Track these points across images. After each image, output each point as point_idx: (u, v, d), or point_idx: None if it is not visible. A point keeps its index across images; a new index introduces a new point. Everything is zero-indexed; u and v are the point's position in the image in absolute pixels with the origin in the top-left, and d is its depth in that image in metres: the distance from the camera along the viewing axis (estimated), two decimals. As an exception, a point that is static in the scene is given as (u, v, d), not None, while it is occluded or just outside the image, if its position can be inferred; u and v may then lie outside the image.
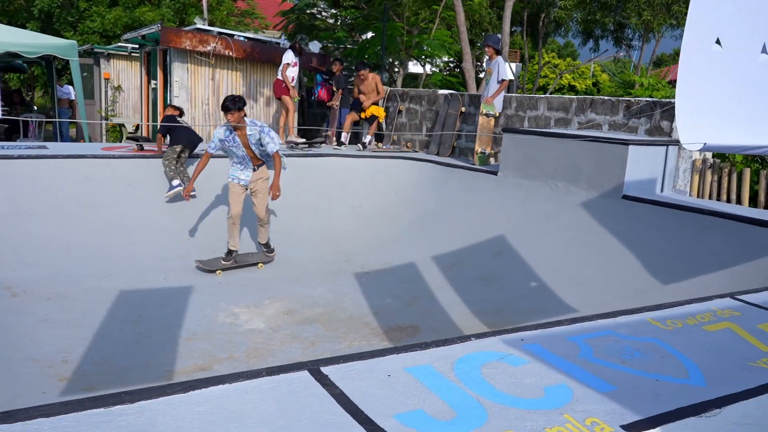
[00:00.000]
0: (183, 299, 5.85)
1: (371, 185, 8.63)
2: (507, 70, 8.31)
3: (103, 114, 14.66)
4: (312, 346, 5.00)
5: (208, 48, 10.07)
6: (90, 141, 11.85)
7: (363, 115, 9.96)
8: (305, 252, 7.42)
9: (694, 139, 2.92)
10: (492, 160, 8.30)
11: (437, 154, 9.35)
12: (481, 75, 8.45)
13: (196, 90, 10.42)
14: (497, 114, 8.14)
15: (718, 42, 2.70)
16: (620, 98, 6.98)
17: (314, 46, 12.00)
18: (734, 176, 6.07)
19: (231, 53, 10.24)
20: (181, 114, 8.17)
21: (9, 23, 20.98)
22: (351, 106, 10.36)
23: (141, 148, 8.13)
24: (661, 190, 6.30)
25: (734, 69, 2.84)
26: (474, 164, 8.18)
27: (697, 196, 6.36)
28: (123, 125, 14.41)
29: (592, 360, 2.49)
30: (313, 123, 12.10)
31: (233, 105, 6.11)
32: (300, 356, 4.78)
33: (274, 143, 6.40)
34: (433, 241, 7.33)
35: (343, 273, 6.92)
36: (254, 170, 6.63)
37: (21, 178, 6.85)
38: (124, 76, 14.85)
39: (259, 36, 12.87)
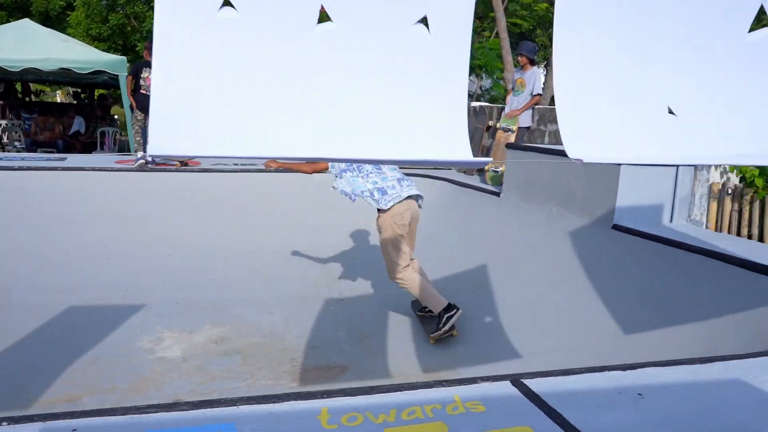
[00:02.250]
0: (121, 319, 5.56)
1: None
2: (541, 83, 7.42)
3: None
4: (208, 382, 4.50)
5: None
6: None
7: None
8: (291, 272, 6.95)
9: (579, 150, 2.13)
10: (509, 180, 7.42)
11: (464, 172, 8.56)
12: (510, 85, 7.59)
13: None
14: (515, 129, 7.26)
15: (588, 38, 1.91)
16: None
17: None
18: (756, 205, 4.85)
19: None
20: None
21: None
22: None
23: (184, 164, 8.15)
24: (671, 220, 5.20)
25: (614, 73, 2.04)
26: (487, 183, 7.35)
27: (715, 229, 5.17)
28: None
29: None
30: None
31: None
32: (186, 393, 4.30)
33: None
34: (424, 267, 6.59)
35: (315, 299, 6.35)
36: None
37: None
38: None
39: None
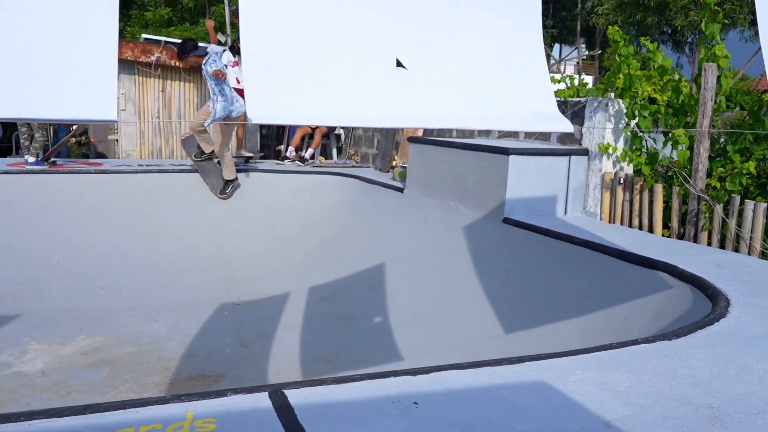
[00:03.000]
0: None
1: (292, 204, 7.70)
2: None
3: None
4: (62, 398, 4.12)
5: (152, 58, 9.51)
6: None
7: (312, 127, 9.08)
8: (192, 278, 6.58)
9: (261, 111, 1.86)
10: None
11: (380, 169, 8.30)
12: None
13: (145, 103, 9.88)
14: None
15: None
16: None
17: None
18: (645, 194, 4.69)
19: (177, 63, 9.63)
20: None
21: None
22: (306, 118, 9.56)
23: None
24: (565, 212, 5.02)
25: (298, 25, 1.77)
26: (395, 180, 7.09)
27: (609, 220, 5.00)
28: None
29: None
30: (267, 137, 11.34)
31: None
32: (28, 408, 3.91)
33: None
34: (324, 269, 6.31)
35: (209, 304, 6.00)
36: None
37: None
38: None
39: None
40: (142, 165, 8.08)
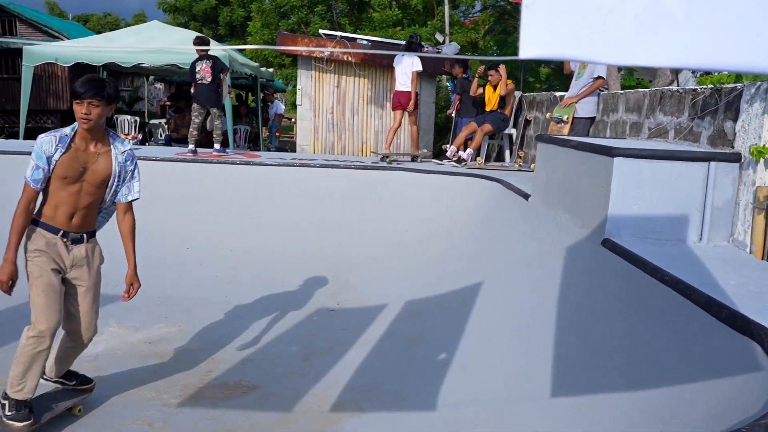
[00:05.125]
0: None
1: (426, 207, 7.05)
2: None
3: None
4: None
5: (325, 53, 9.49)
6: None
7: (475, 128, 8.32)
8: (303, 277, 6.30)
9: (535, 46, 1.43)
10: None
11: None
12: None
13: (320, 98, 9.92)
14: (569, 120, 5.90)
15: None
16: (688, 89, 4.34)
17: (450, 48, 10.50)
18: (813, 221, 3.19)
19: (349, 58, 9.50)
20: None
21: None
22: (475, 115, 8.82)
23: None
24: (700, 239, 3.70)
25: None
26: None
27: (762, 255, 3.54)
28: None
29: None
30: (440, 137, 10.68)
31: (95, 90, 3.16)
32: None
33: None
34: (427, 280, 5.60)
35: (305, 308, 5.64)
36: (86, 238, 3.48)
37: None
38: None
39: (386, 39, 11.85)
40: (295, 159, 8.04)
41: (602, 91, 6.09)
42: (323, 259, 6.60)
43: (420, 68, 8.44)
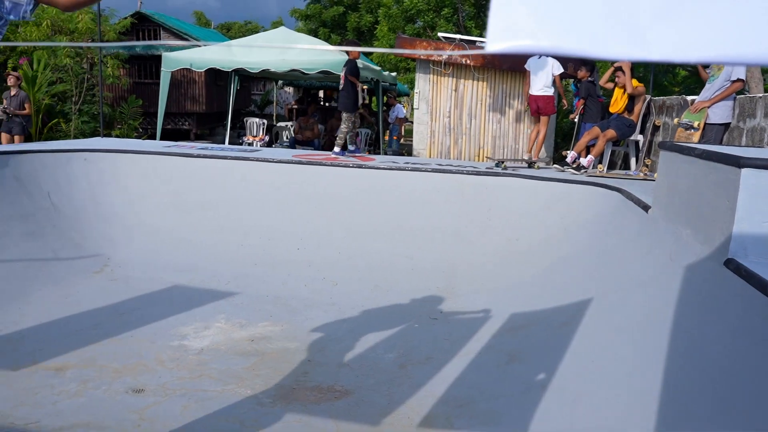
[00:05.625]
0: (199, 303, 5.57)
1: (541, 216, 6.75)
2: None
3: None
4: (195, 379, 4.14)
5: (444, 56, 9.38)
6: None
7: (598, 134, 7.90)
8: (410, 283, 6.24)
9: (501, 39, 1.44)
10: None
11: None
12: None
13: (438, 102, 9.83)
14: (700, 126, 5.40)
15: None
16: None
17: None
18: None
19: (468, 61, 9.33)
20: None
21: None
22: (600, 120, 8.39)
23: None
24: None
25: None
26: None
27: None
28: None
29: None
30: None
31: None
32: (156, 385, 4.01)
33: None
34: (534, 293, 5.35)
35: (408, 314, 5.57)
36: None
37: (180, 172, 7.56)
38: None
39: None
40: (408, 163, 8.00)
41: (741, 94, 5.55)
42: (429, 266, 6.50)
43: (561, 70, 8.21)
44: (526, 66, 8.40)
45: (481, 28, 21.72)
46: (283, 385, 4.15)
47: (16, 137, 11.28)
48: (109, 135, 14.87)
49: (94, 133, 14.67)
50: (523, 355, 4.27)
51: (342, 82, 8.53)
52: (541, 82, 8.23)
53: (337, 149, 8.64)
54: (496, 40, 0.82)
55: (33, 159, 7.12)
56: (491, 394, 3.83)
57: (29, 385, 3.93)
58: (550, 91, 8.29)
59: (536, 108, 8.35)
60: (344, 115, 8.61)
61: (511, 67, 9.52)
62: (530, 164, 8.48)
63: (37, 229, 6.56)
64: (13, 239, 6.19)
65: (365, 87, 9.91)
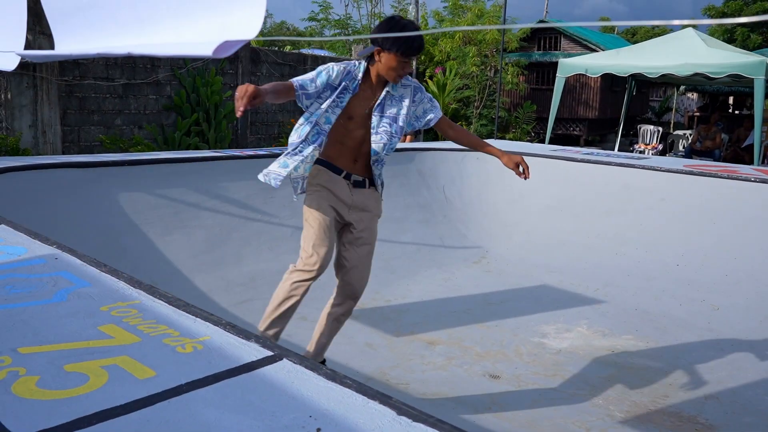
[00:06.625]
0: (562, 305, 5.63)
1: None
2: None
3: None
4: (549, 377, 4.22)
5: None
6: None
7: None
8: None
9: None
10: None
11: None
12: None
13: None
14: None
15: None
16: None
17: None
18: None
19: None
20: None
21: None
22: None
23: None
24: None
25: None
26: None
27: None
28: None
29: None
30: None
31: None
32: (488, 377, 4.20)
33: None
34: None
35: None
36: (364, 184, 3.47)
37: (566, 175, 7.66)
38: None
39: None
40: None
41: None
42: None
43: None
44: None
45: None
46: (639, 403, 3.95)
47: (408, 136, 12.78)
48: (502, 138, 15.86)
49: (489, 136, 15.79)
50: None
51: None
52: None
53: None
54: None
55: (434, 156, 8.04)
56: None
57: (405, 352, 4.51)
58: None
59: None
60: None
61: None
62: None
63: (430, 217, 7.41)
64: (411, 225, 7.11)
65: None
